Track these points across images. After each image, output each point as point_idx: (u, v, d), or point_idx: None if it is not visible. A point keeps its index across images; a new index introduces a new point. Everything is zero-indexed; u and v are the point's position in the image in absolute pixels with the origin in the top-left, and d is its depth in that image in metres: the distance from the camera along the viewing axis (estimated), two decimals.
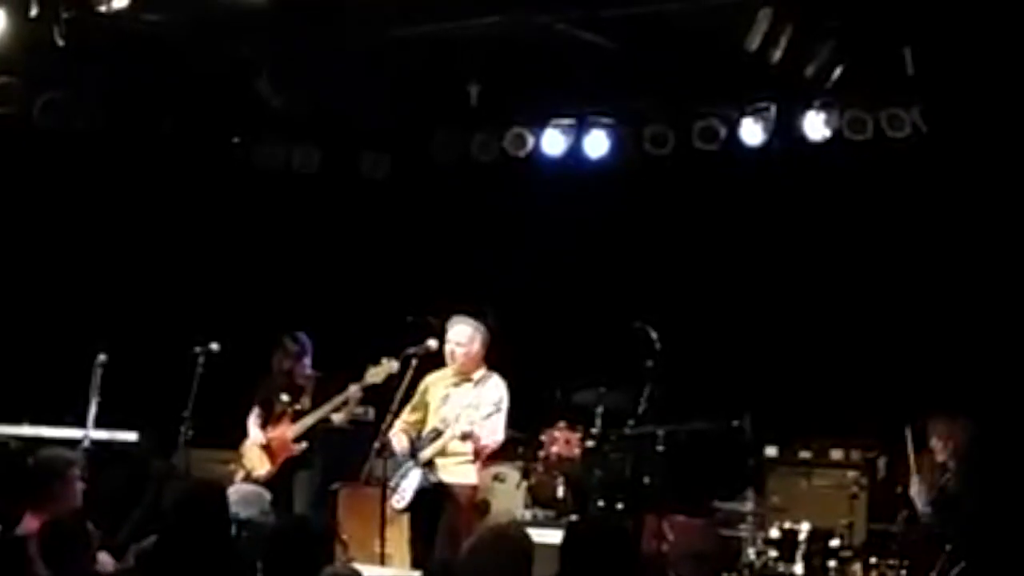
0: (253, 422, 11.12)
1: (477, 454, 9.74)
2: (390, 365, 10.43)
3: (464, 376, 9.90)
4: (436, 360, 10.09)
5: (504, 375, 9.97)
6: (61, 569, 5.97)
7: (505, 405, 9.79)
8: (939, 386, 10.52)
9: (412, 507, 9.79)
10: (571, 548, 5.65)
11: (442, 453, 9.71)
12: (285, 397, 11.03)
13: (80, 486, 7.71)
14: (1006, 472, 9.69)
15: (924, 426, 10.19)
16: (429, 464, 9.72)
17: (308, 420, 10.82)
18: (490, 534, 5.93)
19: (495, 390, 9.82)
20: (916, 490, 10.20)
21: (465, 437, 9.61)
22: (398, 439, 9.88)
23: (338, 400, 10.69)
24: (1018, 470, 9.67)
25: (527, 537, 5.96)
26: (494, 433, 9.72)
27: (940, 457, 9.92)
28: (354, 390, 10.62)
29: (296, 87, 11.84)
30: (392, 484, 9.77)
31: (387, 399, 10.02)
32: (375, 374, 10.53)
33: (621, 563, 5.58)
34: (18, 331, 11.89)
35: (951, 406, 9.98)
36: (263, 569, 5.87)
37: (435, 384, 9.98)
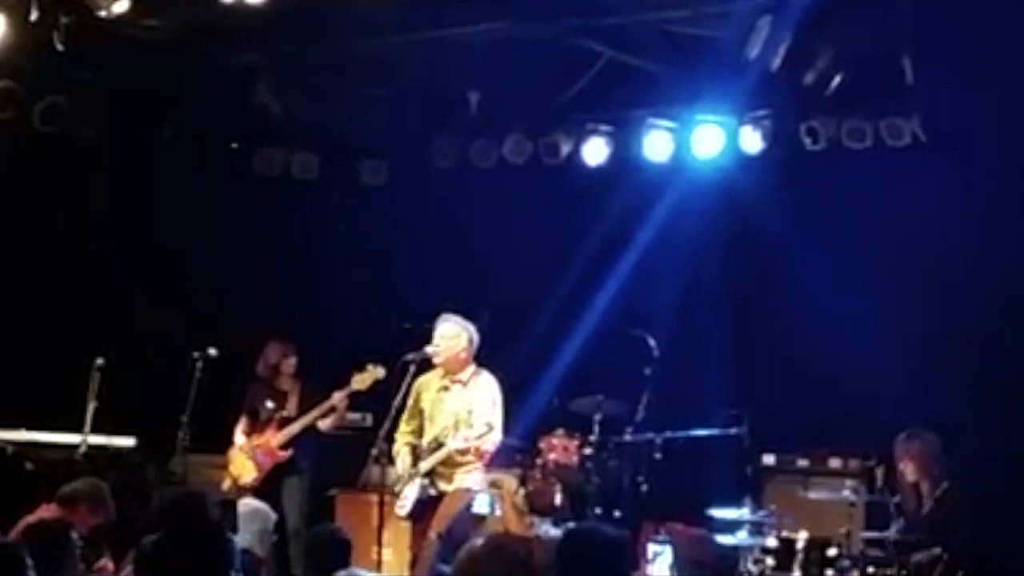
0: (239, 430, 11.15)
1: (480, 458, 9.82)
2: (376, 371, 10.47)
3: (453, 377, 9.93)
4: (434, 367, 10.12)
5: (502, 382, 10.00)
6: (43, 573, 5.98)
7: (499, 402, 9.87)
8: (936, 395, 10.50)
9: (412, 516, 9.86)
10: (567, 556, 5.63)
11: (443, 463, 9.78)
12: (270, 404, 11.05)
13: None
14: (997, 483, 9.70)
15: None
16: (430, 474, 9.79)
17: (294, 427, 10.85)
18: (490, 545, 5.90)
19: (487, 389, 9.88)
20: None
21: (463, 453, 9.70)
22: (400, 460, 9.95)
23: (324, 407, 10.71)
24: (1008, 481, 9.68)
25: (529, 550, 5.93)
26: (491, 434, 9.79)
27: (912, 478, 9.87)
28: (338, 397, 10.64)
29: (295, 94, 11.87)
30: (396, 490, 9.87)
31: (385, 405, 10.04)
32: (360, 380, 10.56)
33: (616, 570, 5.57)
34: (16, 336, 11.88)
35: (913, 424, 9.93)
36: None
37: (426, 388, 10.01)
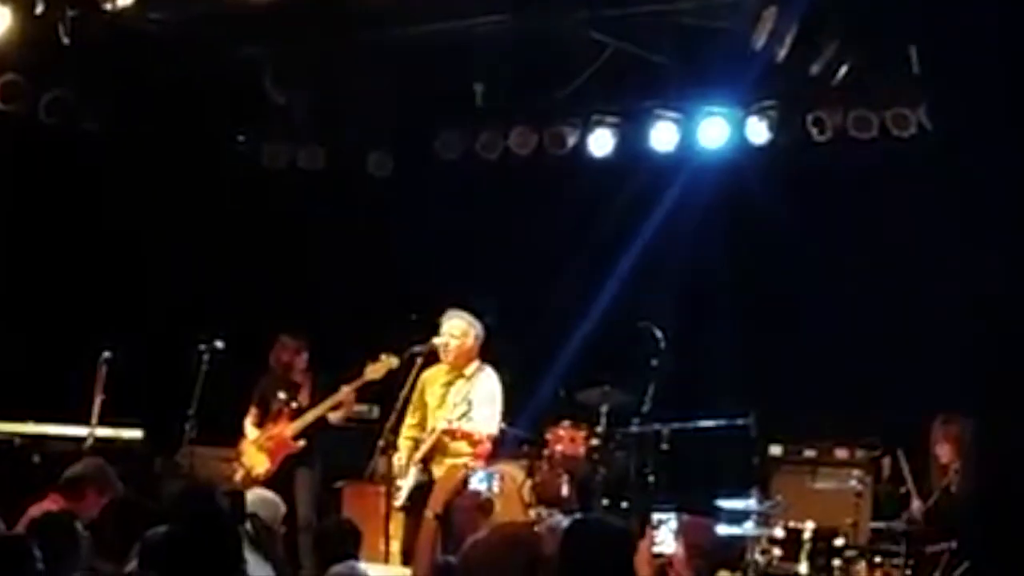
0: (250, 421, 11.15)
1: (475, 447, 9.85)
2: (389, 361, 10.49)
3: (457, 371, 10.04)
4: (440, 359, 10.15)
5: (508, 373, 10.02)
6: (50, 566, 6.00)
7: (499, 397, 9.98)
8: (942, 385, 10.48)
9: (408, 504, 9.92)
10: (571, 547, 5.64)
11: (443, 453, 9.83)
12: (282, 395, 11.05)
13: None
14: (1007, 470, 9.66)
15: (926, 431, 10.14)
16: (424, 462, 9.85)
17: (307, 417, 10.85)
18: (496, 533, 5.91)
19: (488, 382, 9.99)
20: (916, 506, 10.14)
21: (447, 434, 9.75)
22: (398, 456, 10.01)
23: (336, 397, 10.72)
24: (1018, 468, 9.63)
25: (536, 537, 5.92)
26: (487, 425, 9.82)
27: (944, 460, 9.87)
28: (346, 391, 10.65)
29: (301, 86, 11.87)
30: (397, 484, 9.96)
31: (392, 397, 10.06)
32: (374, 370, 10.58)
33: (620, 562, 5.58)
34: (23, 328, 11.88)
35: (953, 407, 9.91)
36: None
37: (431, 382, 10.12)
